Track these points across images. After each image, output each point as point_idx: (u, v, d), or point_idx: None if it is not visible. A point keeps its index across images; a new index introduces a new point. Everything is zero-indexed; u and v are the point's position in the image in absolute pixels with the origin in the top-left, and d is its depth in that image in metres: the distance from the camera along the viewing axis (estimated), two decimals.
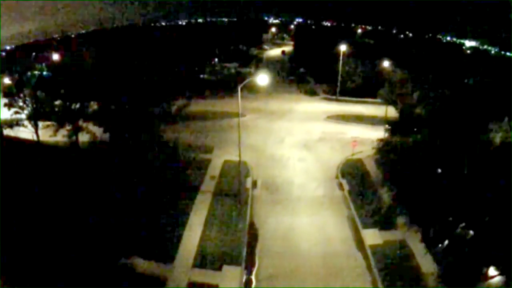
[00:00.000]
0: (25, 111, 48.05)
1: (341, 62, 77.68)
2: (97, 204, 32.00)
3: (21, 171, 31.08)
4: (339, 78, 78.26)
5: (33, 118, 46.70)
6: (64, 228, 29.53)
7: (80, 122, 42.97)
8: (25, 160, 33.09)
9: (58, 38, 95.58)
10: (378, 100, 64.36)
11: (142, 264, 28.71)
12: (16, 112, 48.73)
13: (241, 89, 74.22)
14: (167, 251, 30.30)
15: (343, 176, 44.05)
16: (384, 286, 27.60)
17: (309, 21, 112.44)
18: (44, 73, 64.69)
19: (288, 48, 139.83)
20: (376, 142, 45.81)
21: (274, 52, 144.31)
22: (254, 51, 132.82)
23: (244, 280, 28.23)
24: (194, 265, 29.21)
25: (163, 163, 36.61)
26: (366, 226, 34.48)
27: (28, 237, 27.56)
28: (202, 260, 29.68)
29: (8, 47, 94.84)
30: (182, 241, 31.84)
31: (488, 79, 54.81)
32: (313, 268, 29.65)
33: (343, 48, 77.69)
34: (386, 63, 66.59)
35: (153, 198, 34.91)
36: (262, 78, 35.36)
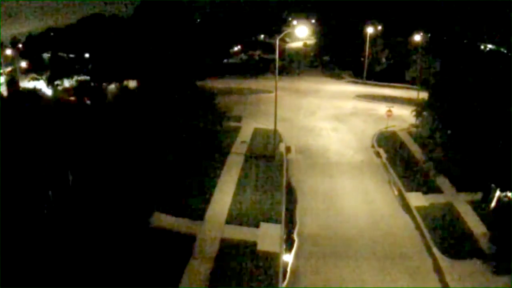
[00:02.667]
0: (44, 76, 47.17)
1: (367, 44, 74.55)
2: (125, 159, 29.33)
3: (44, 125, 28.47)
4: (366, 60, 75.10)
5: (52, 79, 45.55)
6: (89, 184, 27.01)
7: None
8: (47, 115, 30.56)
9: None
10: (405, 85, 62.58)
11: (169, 221, 25.47)
12: (34, 78, 47.88)
13: (264, 73, 72.55)
14: (196, 208, 27.10)
15: (379, 145, 40.97)
16: (437, 245, 24.34)
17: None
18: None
19: (310, 42, 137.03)
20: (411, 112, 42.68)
21: (295, 44, 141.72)
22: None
23: (284, 238, 24.79)
24: (227, 222, 25.85)
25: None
26: (409, 189, 31.29)
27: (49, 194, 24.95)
28: (236, 217, 26.36)
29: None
30: (213, 198, 28.70)
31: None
32: (360, 227, 26.56)
33: (370, 30, 74.54)
34: (417, 37, 63.47)
35: (183, 155, 32.21)
36: (301, 30, 32.36)
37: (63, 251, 21.19)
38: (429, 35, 76.20)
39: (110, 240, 22.56)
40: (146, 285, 19.76)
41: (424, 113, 39.50)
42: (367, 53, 75.04)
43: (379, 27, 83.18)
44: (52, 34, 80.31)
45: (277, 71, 33.94)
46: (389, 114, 45.00)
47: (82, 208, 24.63)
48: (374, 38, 77.93)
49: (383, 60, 78.48)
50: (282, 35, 35.15)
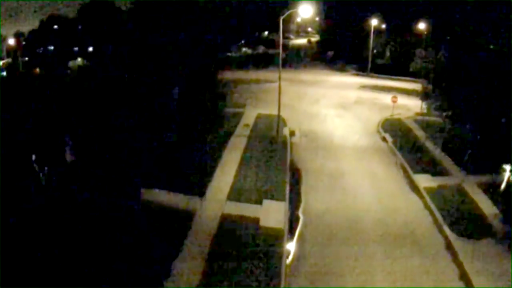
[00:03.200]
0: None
1: (371, 37, 73.25)
2: (126, 136, 27.88)
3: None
4: (370, 53, 73.74)
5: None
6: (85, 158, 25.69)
7: None
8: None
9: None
10: (409, 78, 61.31)
11: (168, 197, 24.07)
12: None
13: (267, 66, 71.14)
14: (197, 186, 25.62)
15: (384, 131, 39.64)
16: (448, 225, 22.89)
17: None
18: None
19: (314, 39, 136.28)
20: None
21: (299, 41, 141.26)
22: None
23: (289, 215, 23.31)
24: (229, 199, 24.45)
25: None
26: (417, 172, 29.90)
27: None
28: (238, 195, 24.94)
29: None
30: (215, 176, 27.35)
31: None
32: (367, 205, 25.26)
33: (374, 22, 73.18)
34: (421, 25, 62.07)
35: (185, 135, 30.87)
36: (305, 9, 31.04)
37: (54, 228, 19.80)
38: (431, 29, 75.42)
39: (105, 217, 21.13)
40: (143, 259, 18.31)
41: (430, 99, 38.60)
42: (371, 46, 73.70)
43: (383, 25, 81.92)
44: (55, 27, 79.02)
45: (281, 49, 32.68)
46: (394, 100, 43.93)
47: (76, 183, 23.30)
48: (378, 32, 76.61)
49: (387, 53, 77.07)
50: (285, 15, 33.71)
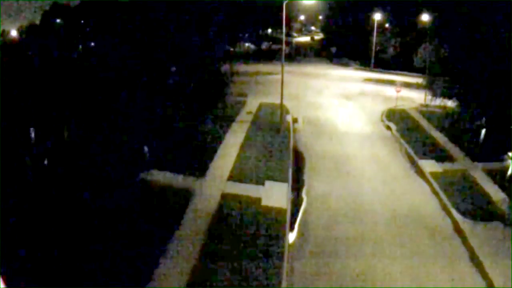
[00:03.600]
0: None
1: (375, 34, 72.49)
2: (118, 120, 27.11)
3: None
4: (373, 48, 72.92)
5: None
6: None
7: None
8: None
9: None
10: (413, 73, 60.57)
11: (167, 177, 23.14)
12: None
13: (271, 60, 70.22)
14: (196, 166, 24.77)
15: (388, 120, 38.87)
16: (455, 208, 21.94)
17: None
18: None
19: (317, 37, 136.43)
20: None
21: (302, 39, 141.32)
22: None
23: (292, 196, 22.38)
24: (230, 180, 23.54)
25: None
26: (422, 158, 28.97)
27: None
28: (240, 175, 24.01)
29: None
30: (215, 158, 26.51)
31: None
32: (372, 187, 24.44)
33: (377, 17, 72.37)
34: (425, 16, 61.25)
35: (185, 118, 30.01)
36: None
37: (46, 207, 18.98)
38: (434, 26, 74.64)
39: (102, 195, 20.30)
40: (141, 234, 17.45)
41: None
42: (374, 41, 72.93)
43: (387, 25, 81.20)
44: (58, 20, 78.24)
45: (284, 34, 31.86)
46: (398, 90, 43.31)
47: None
48: (381, 29, 75.84)
49: (391, 49, 76.28)
50: None
